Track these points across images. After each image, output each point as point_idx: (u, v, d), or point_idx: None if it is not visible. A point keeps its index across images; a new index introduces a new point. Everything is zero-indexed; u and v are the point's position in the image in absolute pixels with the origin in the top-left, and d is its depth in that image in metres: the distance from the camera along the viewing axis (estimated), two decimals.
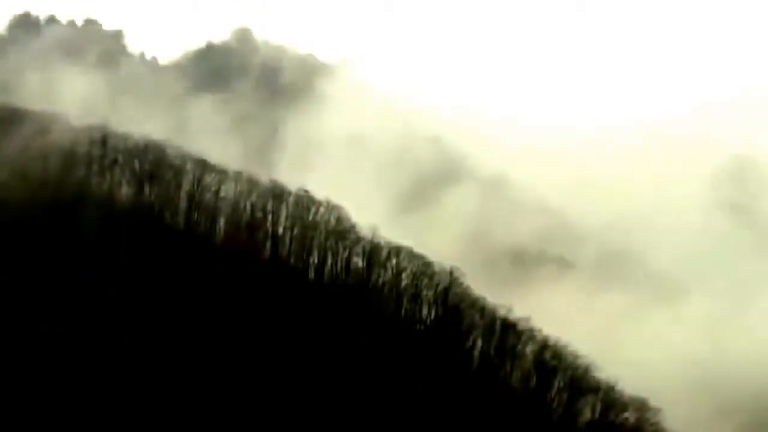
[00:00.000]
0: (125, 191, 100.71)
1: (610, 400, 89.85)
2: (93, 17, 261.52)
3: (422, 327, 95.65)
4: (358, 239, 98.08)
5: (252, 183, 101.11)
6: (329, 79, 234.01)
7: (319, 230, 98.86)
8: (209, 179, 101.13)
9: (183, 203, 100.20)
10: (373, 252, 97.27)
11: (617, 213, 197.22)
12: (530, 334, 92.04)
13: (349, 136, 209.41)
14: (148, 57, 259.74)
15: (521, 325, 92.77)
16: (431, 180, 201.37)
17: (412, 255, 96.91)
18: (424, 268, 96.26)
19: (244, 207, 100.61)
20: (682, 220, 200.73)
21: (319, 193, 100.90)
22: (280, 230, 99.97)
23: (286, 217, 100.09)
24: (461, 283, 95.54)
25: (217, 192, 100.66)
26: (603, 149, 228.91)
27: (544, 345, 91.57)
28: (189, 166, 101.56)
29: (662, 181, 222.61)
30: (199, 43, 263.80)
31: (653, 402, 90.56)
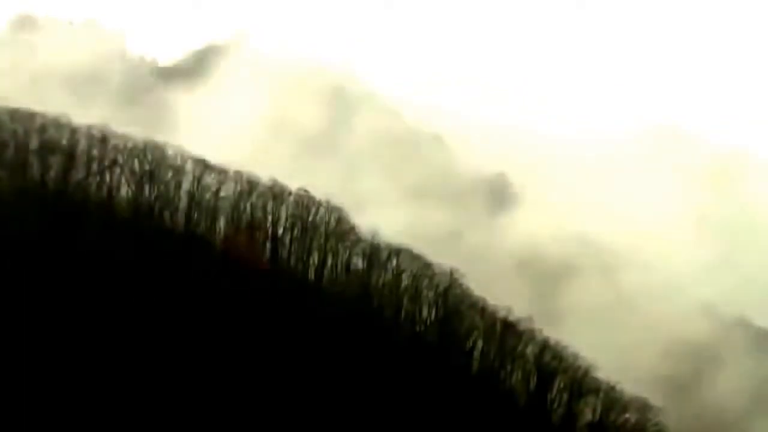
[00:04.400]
0: (125, 191, 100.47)
1: (611, 401, 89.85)
2: (93, 17, 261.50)
3: (422, 328, 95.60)
4: (359, 240, 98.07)
5: (252, 183, 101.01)
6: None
7: (319, 231, 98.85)
8: (209, 179, 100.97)
9: (183, 203, 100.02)
10: (374, 253, 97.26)
11: None
12: (530, 335, 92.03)
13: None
14: (148, 57, 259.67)
15: (521, 326, 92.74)
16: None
17: (412, 256, 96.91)
18: (424, 269, 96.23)
19: (244, 207, 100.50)
20: None
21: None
22: (280, 231, 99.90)
23: (286, 218, 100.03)
24: (461, 284, 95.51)
25: (217, 192, 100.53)
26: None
27: (545, 346, 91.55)
28: (189, 166, 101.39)
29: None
30: (199, 43, 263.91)
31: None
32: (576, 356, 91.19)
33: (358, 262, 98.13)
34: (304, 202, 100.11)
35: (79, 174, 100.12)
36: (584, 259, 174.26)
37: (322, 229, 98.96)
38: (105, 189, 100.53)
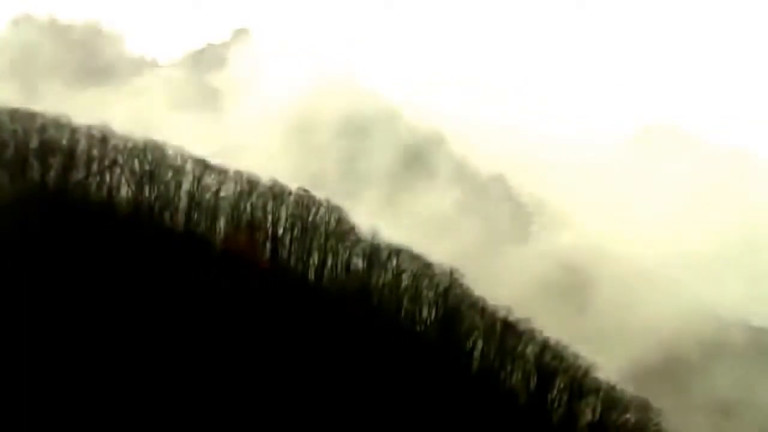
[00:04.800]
0: (125, 191, 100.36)
1: (611, 401, 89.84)
2: (93, 17, 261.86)
3: (422, 328, 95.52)
4: (359, 240, 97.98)
5: (252, 183, 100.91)
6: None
7: (319, 231, 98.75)
8: (209, 179, 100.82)
9: (183, 203, 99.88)
10: (374, 253, 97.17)
11: None
12: (531, 335, 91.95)
13: None
14: (148, 57, 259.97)
15: (522, 326, 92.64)
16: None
17: (413, 256, 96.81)
18: (425, 269, 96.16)
19: (244, 207, 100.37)
20: None
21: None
22: (280, 231, 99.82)
23: (287, 218, 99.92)
24: (461, 284, 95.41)
25: (217, 192, 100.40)
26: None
27: (545, 346, 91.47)
28: (189, 166, 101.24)
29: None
30: (199, 43, 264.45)
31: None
32: (576, 356, 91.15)
33: (358, 262, 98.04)
34: (304, 202, 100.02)
35: (79, 174, 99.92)
36: (586, 259, 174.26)
37: (322, 229, 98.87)
38: (105, 189, 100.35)
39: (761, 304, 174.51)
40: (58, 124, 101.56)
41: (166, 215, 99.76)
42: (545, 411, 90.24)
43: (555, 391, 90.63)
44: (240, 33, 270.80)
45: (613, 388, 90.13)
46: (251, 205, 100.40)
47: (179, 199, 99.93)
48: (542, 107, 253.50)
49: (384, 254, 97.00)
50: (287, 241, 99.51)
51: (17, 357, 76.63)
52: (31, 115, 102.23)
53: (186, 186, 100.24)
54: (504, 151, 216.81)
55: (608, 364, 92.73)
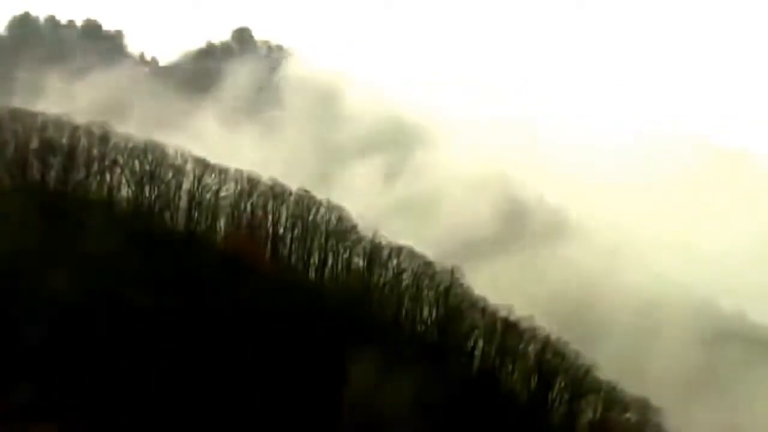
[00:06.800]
0: (125, 191, 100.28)
1: (612, 401, 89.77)
2: (93, 17, 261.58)
3: (422, 328, 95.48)
4: (359, 239, 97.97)
5: (252, 183, 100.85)
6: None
7: (319, 231, 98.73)
8: (209, 179, 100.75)
9: (183, 203, 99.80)
10: (374, 252, 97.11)
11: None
12: (532, 333, 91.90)
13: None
14: (148, 57, 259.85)
15: (523, 325, 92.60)
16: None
17: (413, 255, 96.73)
18: (425, 268, 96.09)
19: (245, 207, 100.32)
20: None
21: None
22: (281, 231, 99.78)
23: (287, 218, 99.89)
24: (462, 283, 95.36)
25: (217, 192, 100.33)
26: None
27: (546, 345, 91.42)
28: (189, 166, 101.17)
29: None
30: (199, 43, 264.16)
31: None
32: (577, 355, 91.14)
33: (359, 262, 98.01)
34: (305, 202, 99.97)
35: (79, 174, 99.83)
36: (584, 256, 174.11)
37: (323, 228, 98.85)
38: (105, 189, 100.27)
39: (762, 303, 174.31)
40: (58, 124, 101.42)
41: (166, 215, 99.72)
42: (546, 410, 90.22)
43: (556, 391, 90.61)
44: (240, 33, 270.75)
45: (613, 387, 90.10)
46: (252, 204, 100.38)
47: (179, 199, 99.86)
48: (542, 107, 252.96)
49: (385, 253, 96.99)
50: (288, 241, 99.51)
51: (16, 359, 76.77)
52: (31, 115, 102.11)
53: (186, 186, 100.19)
54: (504, 150, 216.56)
55: None
